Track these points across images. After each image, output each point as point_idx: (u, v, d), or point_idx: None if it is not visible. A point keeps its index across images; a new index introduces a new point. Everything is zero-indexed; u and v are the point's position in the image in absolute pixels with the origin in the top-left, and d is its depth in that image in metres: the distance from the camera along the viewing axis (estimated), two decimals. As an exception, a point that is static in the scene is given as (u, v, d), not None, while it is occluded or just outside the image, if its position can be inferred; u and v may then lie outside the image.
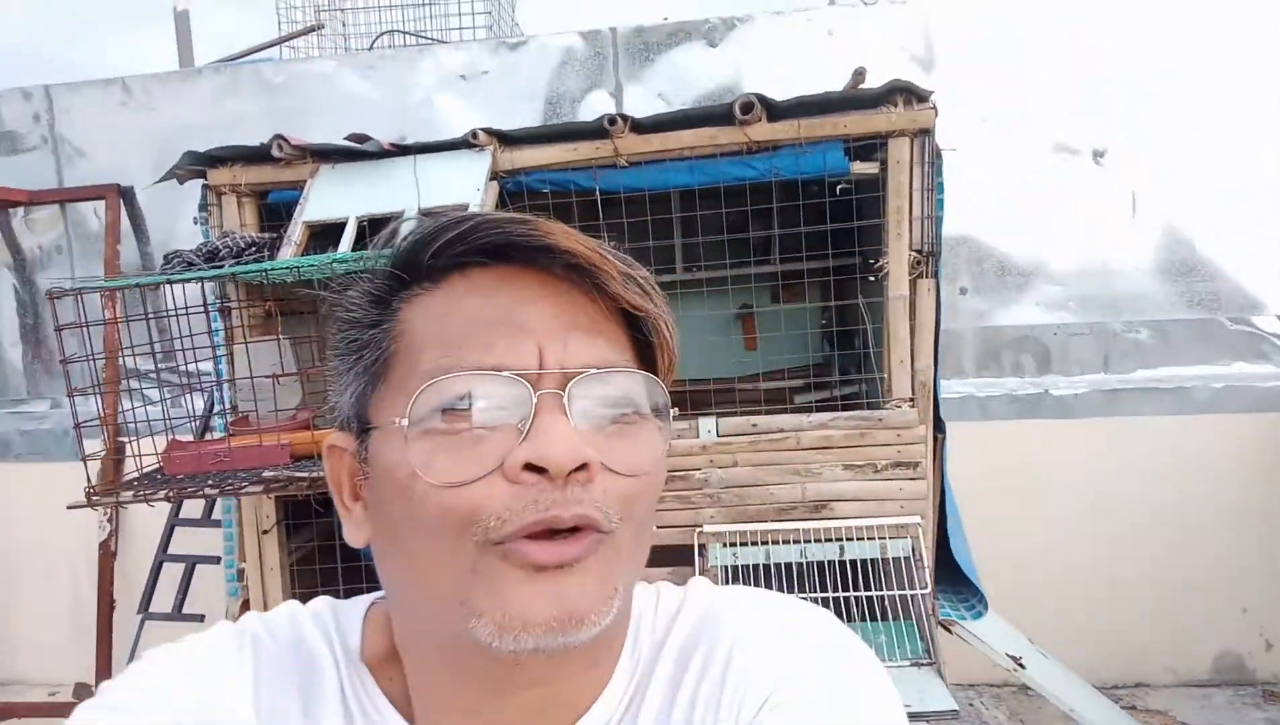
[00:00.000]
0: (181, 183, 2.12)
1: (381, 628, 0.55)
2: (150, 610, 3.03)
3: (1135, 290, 3.36)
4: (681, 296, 2.75)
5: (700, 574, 2.03)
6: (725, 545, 2.07)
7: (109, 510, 3.36)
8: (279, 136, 2.04)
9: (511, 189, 2.05)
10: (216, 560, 2.97)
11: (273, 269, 1.58)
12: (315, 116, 3.40)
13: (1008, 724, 2.90)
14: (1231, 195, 3.29)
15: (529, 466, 0.46)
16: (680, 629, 0.55)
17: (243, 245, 1.91)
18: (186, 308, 2.01)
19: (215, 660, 0.53)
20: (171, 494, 1.66)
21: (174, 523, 3.15)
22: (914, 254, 1.99)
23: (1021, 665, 2.06)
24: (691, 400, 2.85)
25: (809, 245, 2.72)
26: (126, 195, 3.53)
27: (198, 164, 2.10)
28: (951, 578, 2.12)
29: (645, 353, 0.53)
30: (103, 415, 2.14)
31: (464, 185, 1.98)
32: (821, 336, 2.93)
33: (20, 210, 3.58)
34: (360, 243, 1.95)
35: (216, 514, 3.01)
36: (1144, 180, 3.33)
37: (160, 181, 2.13)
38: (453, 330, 0.49)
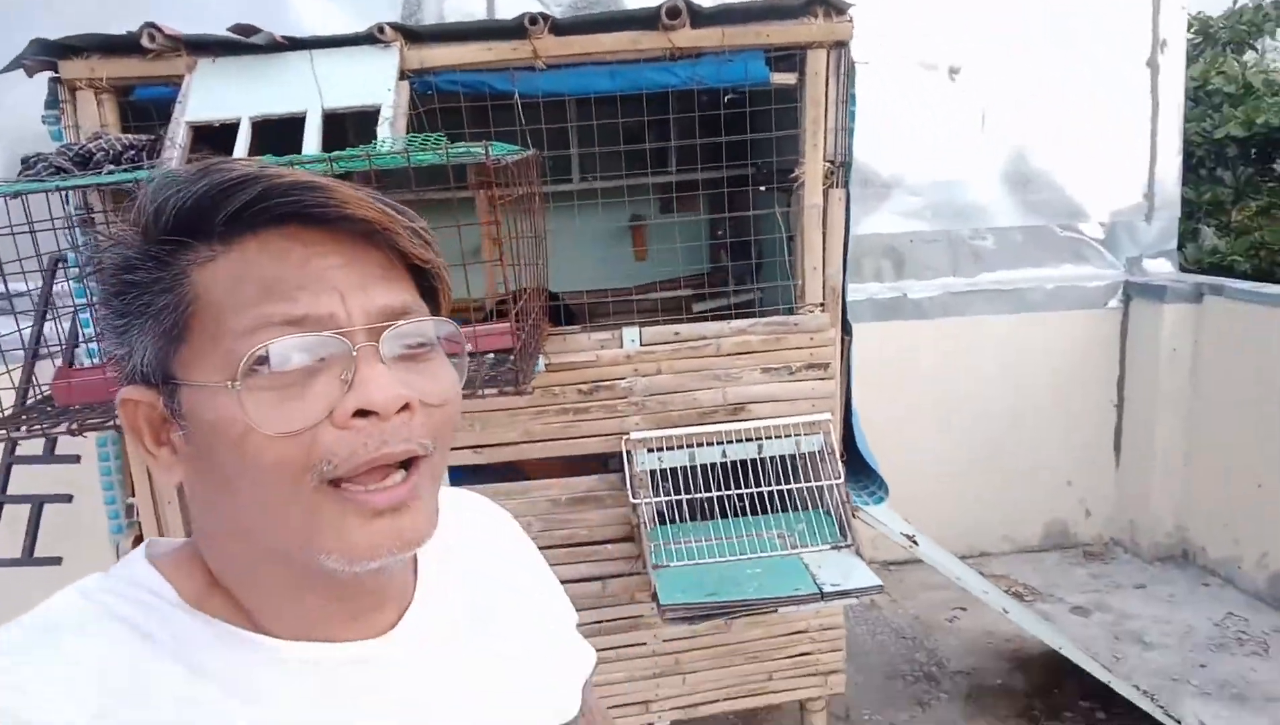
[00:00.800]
0: (30, 75, 1.84)
1: (188, 571, 0.57)
2: (-3, 558, 2.74)
3: (981, 200, 3.64)
4: (577, 208, 2.72)
5: (629, 478, 2.09)
6: (650, 450, 2.13)
7: (-76, 453, 2.97)
8: (150, 24, 1.80)
9: (420, 90, 1.92)
10: (68, 498, 2.72)
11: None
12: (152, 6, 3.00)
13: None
14: (1066, 113, 3.60)
15: (359, 412, 0.51)
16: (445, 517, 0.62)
17: (120, 148, 1.70)
18: (44, 221, 1.78)
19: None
20: (76, 427, 1.50)
21: (10, 461, 2.83)
22: (827, 164, 2.05)
23: (915, 542, 2.27)
24: (590, 310, 2.86)
25: (700, 157, 2.76)
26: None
27: (47, 54, 1.83)
28: (853, 468, 2.29)
29: (427, 293, 0.59)
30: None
31: (371, 85, 1.84)
32: (714, 247, 2.98)
33: None
34: (257, 144, 1.78)
35: (62, 450, 2.74)
36: (993, 97, 3.58)
37: (3, 72, 1.83)
38: (253, 289, 0.51)
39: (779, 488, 2.13)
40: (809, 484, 2.14)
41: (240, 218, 0.52)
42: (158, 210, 0.52)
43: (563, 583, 2.08)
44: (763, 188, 2.65)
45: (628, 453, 2.11)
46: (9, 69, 1.82)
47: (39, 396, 1.71)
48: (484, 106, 1.96)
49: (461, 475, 2.16)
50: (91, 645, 0.52)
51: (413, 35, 1.90)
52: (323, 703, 0.56)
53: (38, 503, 2.79)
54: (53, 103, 1.92)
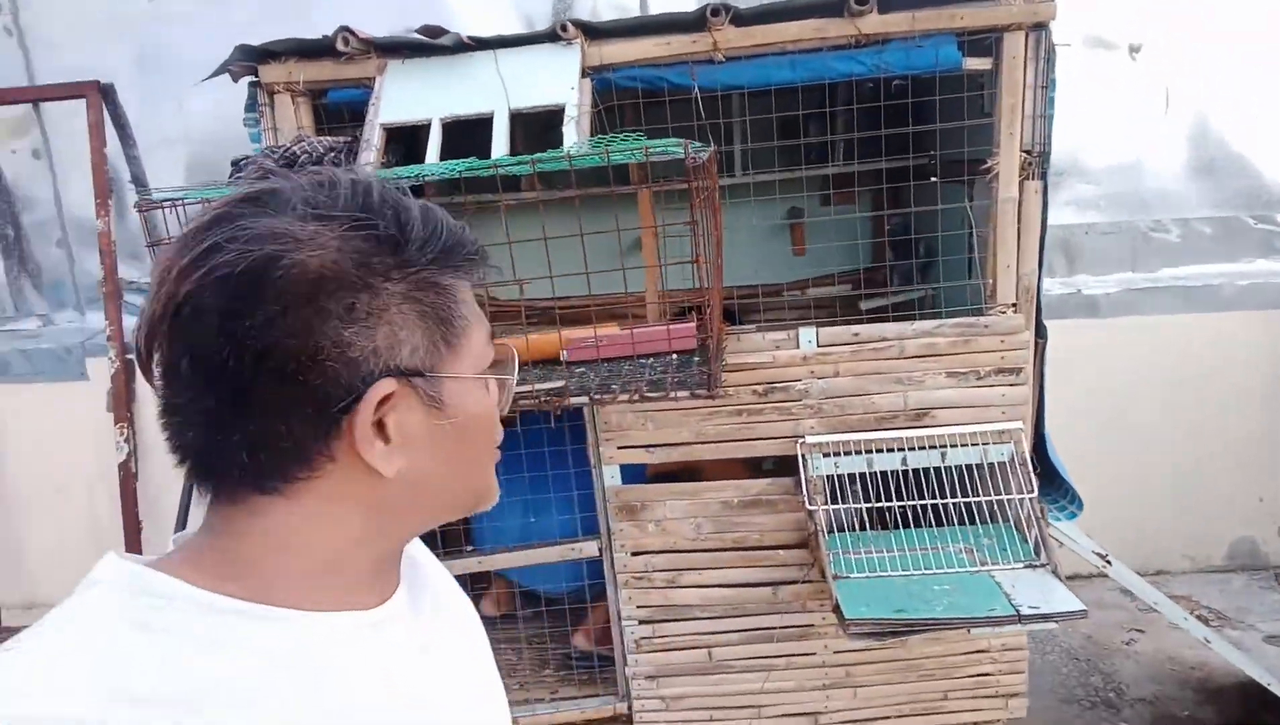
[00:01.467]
0: (235, 80, 1.91)
1: (196, 566, 0.58)
2: (187, 529, 2.91)
3: (1163, 189, 3.37)
4: (733, 204, 2.65)
5: (805, 483, 2.02)
6: (826, 455, 2.05)
7: (125, 429, 3.20)
8: (344, 29, 1.85)
9: (598, 87, 1.90)
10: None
11: (400, 176, 1.43)
12: (314, 7, 3.12)
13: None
14: (1262, 92, 3.28)
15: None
16: None
17: (321, 150, 1.75)
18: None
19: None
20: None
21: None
22: (1024, 154, 1.92)
23: (1108, 562, 2.11)
24: (741, 307, 2.79)
25: (862, 149, 2.64)
26: (107, 93, 3.22)
27: (249, 59, 1.90)
28: (1043, 480, 2.14)
29: None
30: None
31: (555, 84, 1.83)
32: (876, 243, 2.86)
33: (-12, 112, 3.25)
34: (447, 147, 1.80)
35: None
36: (1177, 76, 3.29)
37: (211, 77, 1.92)
38: (479, 312, 0.65)
39: (965, 500, 2.01)
40: (998, 498, 2.02)
41: (471, 257, 0.64)
42: (428, 237, 0.60)
43: (732, 586, 2.03)
44: (934, 179, 2.53)
45: (803, 457, 2.04)
46: (215, 74, 1.90)
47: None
48: (660, 102, 1.92)
49: (632, 473, 2.14)
50: (119, 645, 0.52)
51: (593, 31, 1.88)
52: (354, 660, 0.61)
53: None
54: (252, 106, 2.00)
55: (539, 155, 1.42)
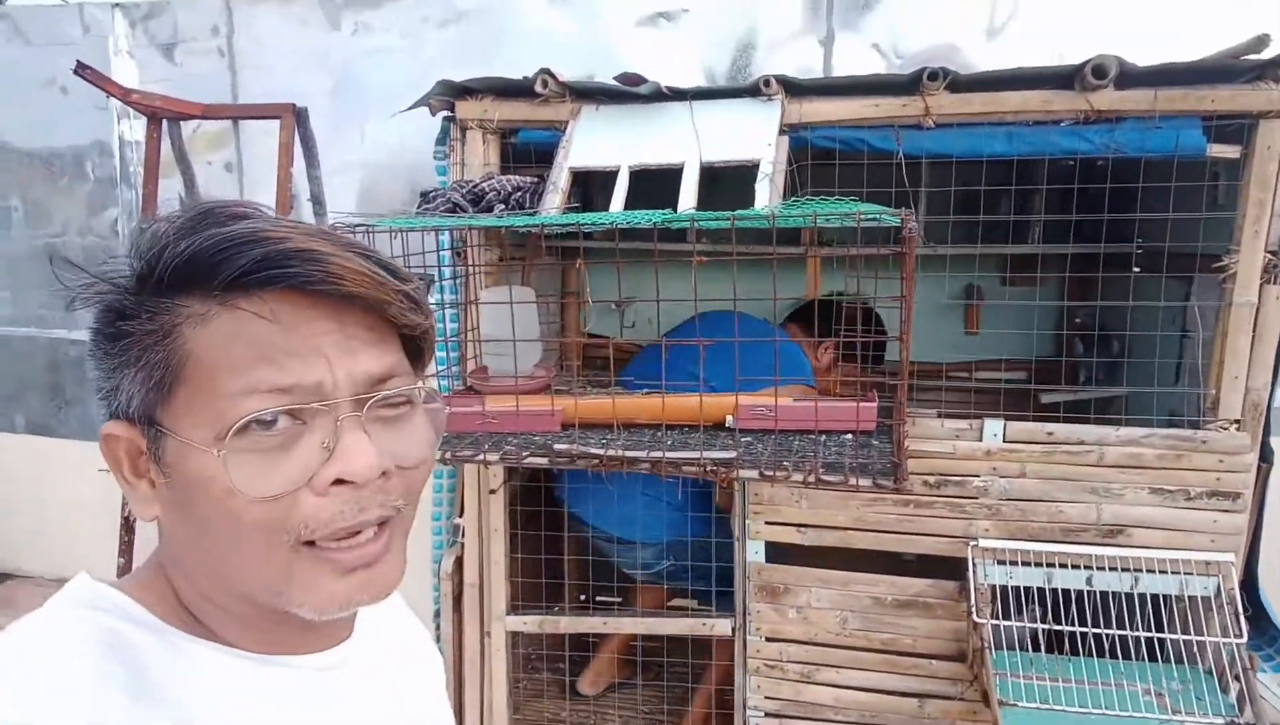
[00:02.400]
0: (434, 113, 1.94)
1: (155, 592, 0.59)
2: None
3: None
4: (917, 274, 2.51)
5: (973, 591, 1.83)
6: (1000, 563, 1.86)
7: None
8: (545, 71, 1.84)
9: (793, 145, 1.82)
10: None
11: (594, 222, 1.39)
12: (501, 47, 3.20)
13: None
14: None
15: (338, 481, 0.54)
16: None
17: (509, 189, 1.73)
18: (436, 250, 1.85)
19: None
20: (449, 458, 1.51)
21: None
22: (1268, 256, 1.71)
23: (1328, 729, 1.81)
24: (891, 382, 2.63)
25: (1051, 232, 2.46)
26: (301, 116, 3.38)
27: (448, 94, 1.92)
28: (1250, 623, 1.88)
29: (411, 348, 0.62)
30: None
31: (751, 139, 1.76)
32: (1056, 333, 2.65)
33: (193, 124, 3.47)
34: (633, 196, 1.75)
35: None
36: None
37: (411, 109, 1.95)
38: (246, 353, 0.53)
39: (1158, 636, 1.78)
40: (1196, 638, 1.77)
41: (237, 282, 0.53)
42: (151, 264, 0.54)
43: (874, 691, 1.85)
44: (1137, 270, 2.31)
45: (973, 561, 1.85)
46: (415, 106, 1.93)
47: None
48: (831, 164, 1.82)
49: (777, 554, 2.00)
50: (79, 661, 0.53)
51: (796, 88, 1.81)
52: (302, 703, 0.60)
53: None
54: (443, 140, 2.01)
55: (740, 212, 1.34)
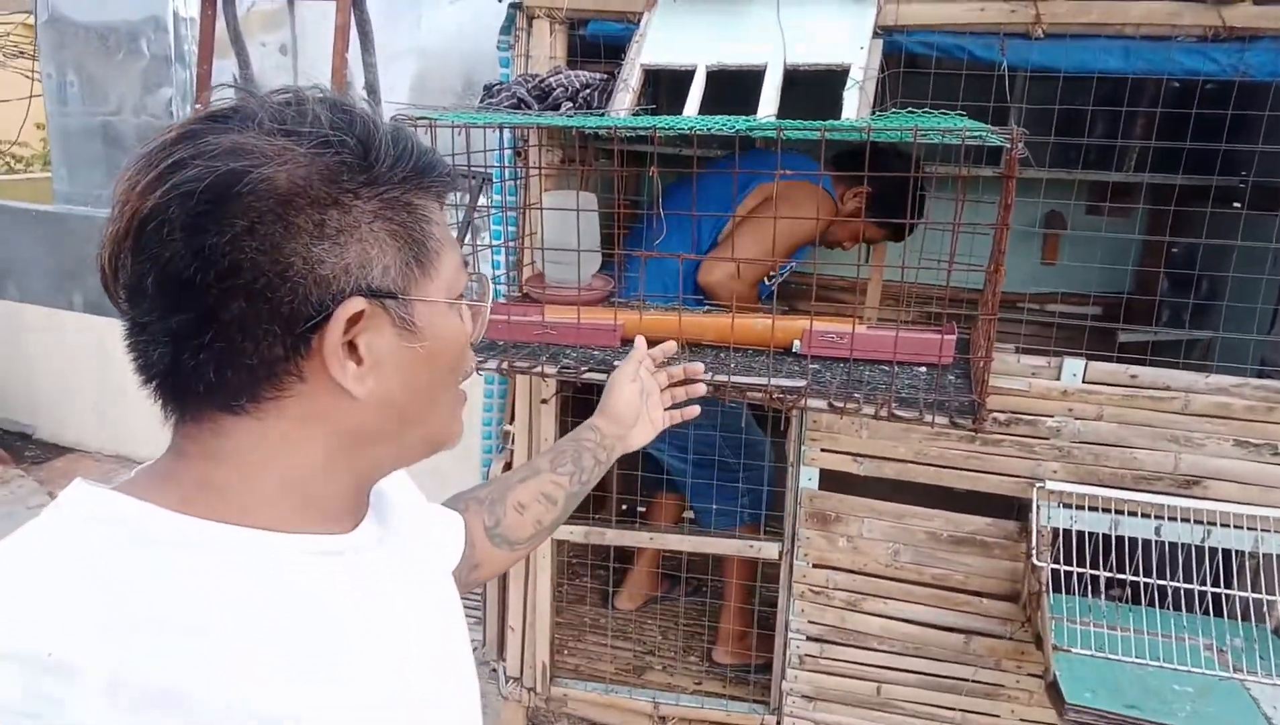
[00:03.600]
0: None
1: (161, 487, 0.56)
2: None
3: None
4: (979, 197, 2.36)
5: (1035, 533, 1.78)
6: (1065, 506, 1.79)
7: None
8: (621, -45, 1.71)
9: (885, 50, 1.68)
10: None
11: (671, 126, 1.29)
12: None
13: None
14: None
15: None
16: None
17: (578, 85, 1.63)
18: (497, 148, 1.76)
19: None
20: (504, 367, 1.46)
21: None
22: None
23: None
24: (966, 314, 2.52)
25: (1152, 161, 2.29)
26: (358, 1, 3.25)
27: (516, -23, 1.80)
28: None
29: None
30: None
31: (842, 41, 1.62)
32: (1143, 270, 2.50)
33: (248, 2, 3.36)
34: (711, 96, 1.64)
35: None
36: None
37: (476, -6, 1.83)
38: (450, 236, 0.63)
39: (1226, 592, 1.71)
40: (1268, 597, 1.71)
41: (442, 180, 0.61)
42: (401, 157, 0.57)
43: (919, 624, 1.82)
44: (1237, 205, 2.15)
45: (1037, 503, 1.79)
46: (481, -9, 1.81)
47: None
48: (955, 75, 1.68)
49: (830, 482, 1.96)
50: (73, 553, 0.51)
51: (893, -13, 1.65)
52: (329, 579, 0.60)
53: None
54: (508, 29, 1.90)
55: (832, 122, 1.23)
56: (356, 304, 0.55)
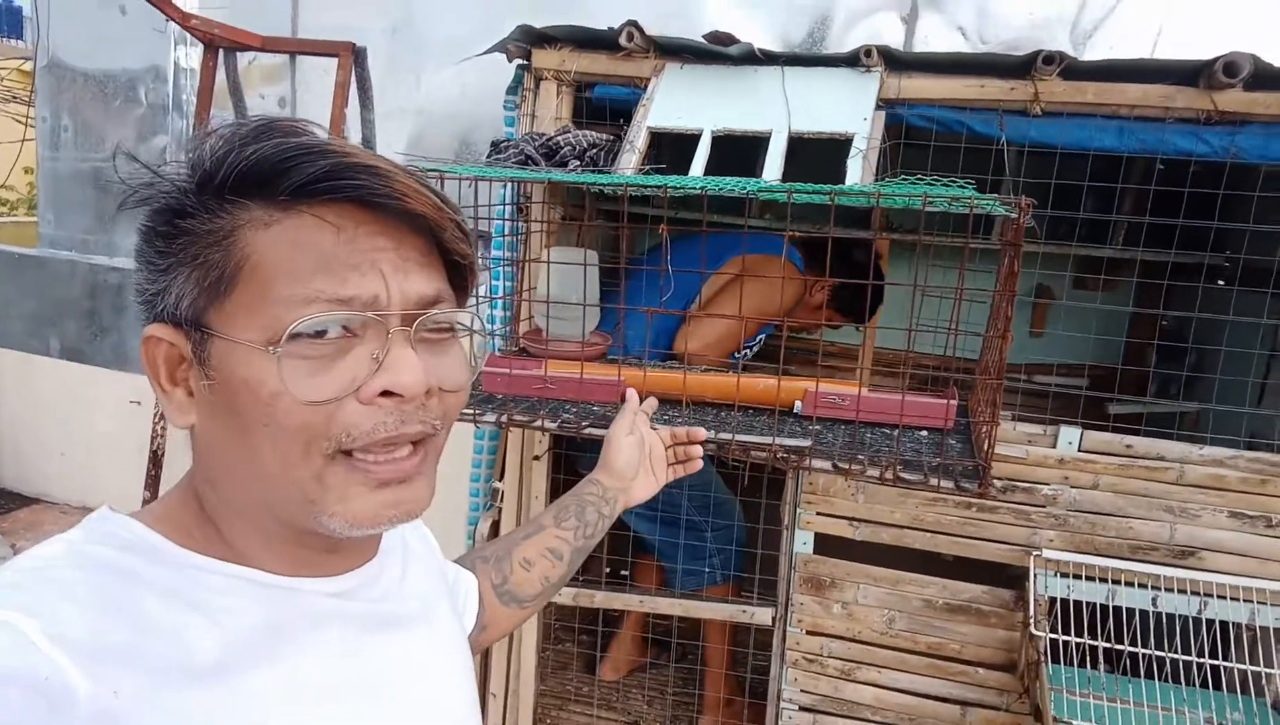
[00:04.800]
0: (510, 60, 1.86)
1: (170, 517, 0.58)
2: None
3: None
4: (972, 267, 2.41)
5: (1032, 602, 1.76)
6: (1060, 574, 1.78)
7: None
8: (631, 23, 1.75)
9: (887, 121, 1.72)
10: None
11: (680, 185, 1.30)
12: (567, 4, 3.09)
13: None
14: None
15: (385, 392, 0.55)
16: None
17: (585, 145, 1.65)
18: (500, 203, 1.77)
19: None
20: (505, 420, 1.45)
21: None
22: (1386, 277, 1.61)
23: (1392, 779, 1.74)
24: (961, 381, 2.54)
25: (1133, 235, 2.35)
26: (359, 56, 3.30)
27: (526, 41, 1.83)
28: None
29: (456, 281, 0.62)
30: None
31: (846, 111, 1.67)
32: (1129, 342, 2.54)
33: (249, 55, 3.40)
34: (715, 161, 1.67)
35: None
36: None
37: (485, 54, 1.87)
38: (307, 261, 0.53)
39: (1225, 664, 1.70)
40: (1266, 670, 1.70)
41: (303, 190, 0.53)
42: (215, 167, 0.53)
43: (916, 695, 1.79)
44: (1221, 283, 2.21)
45: (1034, 572, 1.78)
46: (492, 50, 1.85)
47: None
48: (954, 148, 1.73)
49: (824, 546, 1.94)
50: (82, 577, 0.52)
51: (896, 62, 1.71)
52: (311, 625, 0.59)
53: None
54: (515, 89, 1.93)
55: (842, 187, 1.25)
56: (153, 329, 0.56)
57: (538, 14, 2.30)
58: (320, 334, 0.54)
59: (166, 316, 0.55)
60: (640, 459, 1.10)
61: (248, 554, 0.59)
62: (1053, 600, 1.78)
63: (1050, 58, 1.59)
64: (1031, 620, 1.75)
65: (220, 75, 3.28)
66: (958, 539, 1.86)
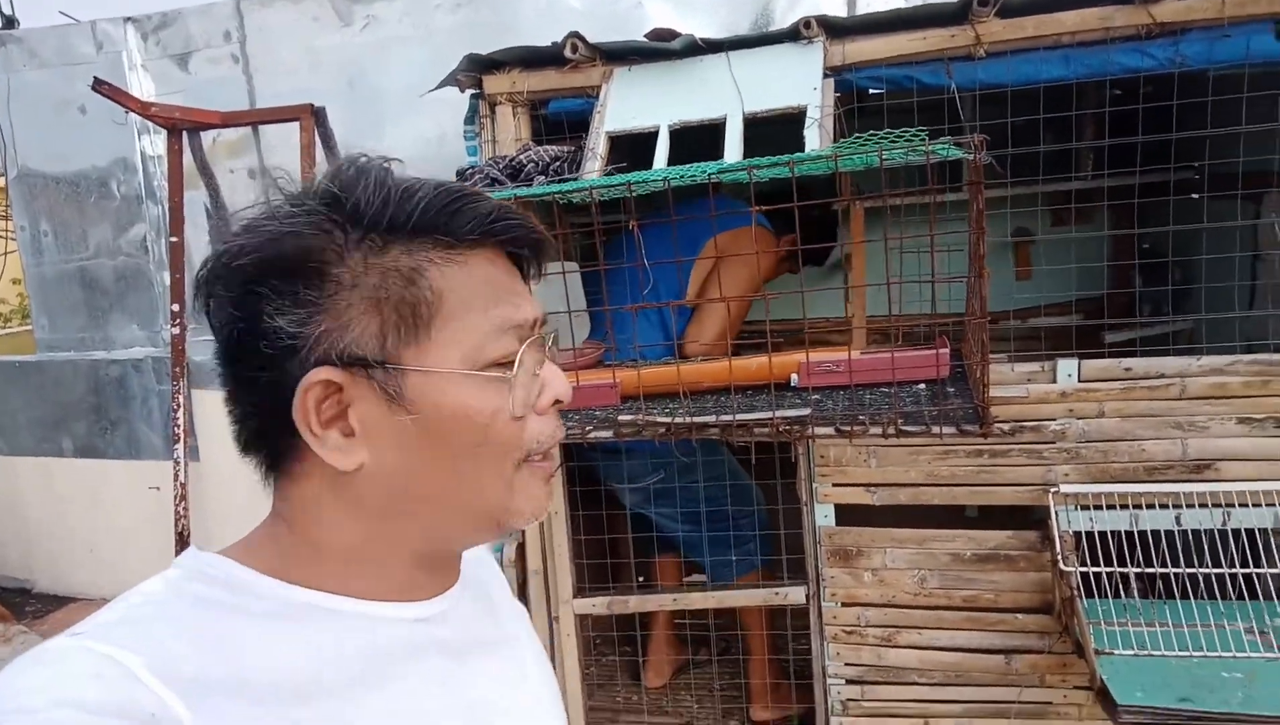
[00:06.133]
0: (462, 90, 1.89)
1: (257, 551, 0.59)
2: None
3: None
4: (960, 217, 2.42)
5: (1057, 539, 1.76)
6: (1082, 508, 1.78)
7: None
8: (574, 34, 1.78)
9: (838, 89, 1.74)
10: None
11: (643, 180, 1.33)
12: (513, 28, 3.14)
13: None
14: None
15: (555, 402, 0.62)
16: None
17: (547, 159, 1.68)
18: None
19: None
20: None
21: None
22: (1351, 162, 1.62)
23: None
24: (954, 335, 2.55)
25: (1107, 161, 2.36)
26: (319, 116, 3.35)
27: (474, 70, 1.86)
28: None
29: None
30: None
31: (794, 85, 1.69)
32: (1115, 269, 2.55)
33: (213, 133, 3.45)
34: (677, 154, 1.69)
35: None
36: None
37: (437, 88, 1.90)
38: (492, 293, 0.58)
39: (1256, 572, 1.70)
40: (1300, 569, 1.69)
41: (476, 230, 0.57)
42: (383, 207, 0.55)
43: (958, 650, 1.79)
44: (1195, 196, 2.22)
45: (1054, 508, 1.78)
46: (442, 85, 1.88)
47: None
48: (908, 105, 1.75)
49: (846, 514, 1.94)
50: (181, 611, 0.53)
51: (836, 29, 1.73)
52: (407, 653, 0.60)
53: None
54: (471, 119, 1.96)
55: (800, 155, 1.27)
56: (322, 373, 0.54)
57: (481, 46, 2.34)
58: (510, 357, 0.58)
59: (334, 358, 0.55)
60: None
61: (346, 583, 0.59)
62: (1078, 534, 1.78)
63: (984, 0, 1.61)
64: (1059, 558, 1.74)
65: (186, 156, 3.33)
66: (974, 489, 1.86)
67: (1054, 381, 1.77)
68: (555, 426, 0.63)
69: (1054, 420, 1.78)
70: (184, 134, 3.35)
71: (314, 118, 3.33)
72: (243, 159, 3.53)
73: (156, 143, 3.55)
